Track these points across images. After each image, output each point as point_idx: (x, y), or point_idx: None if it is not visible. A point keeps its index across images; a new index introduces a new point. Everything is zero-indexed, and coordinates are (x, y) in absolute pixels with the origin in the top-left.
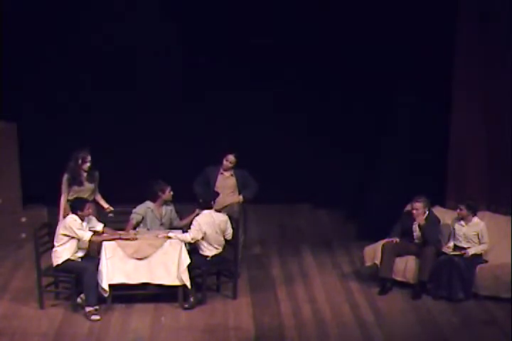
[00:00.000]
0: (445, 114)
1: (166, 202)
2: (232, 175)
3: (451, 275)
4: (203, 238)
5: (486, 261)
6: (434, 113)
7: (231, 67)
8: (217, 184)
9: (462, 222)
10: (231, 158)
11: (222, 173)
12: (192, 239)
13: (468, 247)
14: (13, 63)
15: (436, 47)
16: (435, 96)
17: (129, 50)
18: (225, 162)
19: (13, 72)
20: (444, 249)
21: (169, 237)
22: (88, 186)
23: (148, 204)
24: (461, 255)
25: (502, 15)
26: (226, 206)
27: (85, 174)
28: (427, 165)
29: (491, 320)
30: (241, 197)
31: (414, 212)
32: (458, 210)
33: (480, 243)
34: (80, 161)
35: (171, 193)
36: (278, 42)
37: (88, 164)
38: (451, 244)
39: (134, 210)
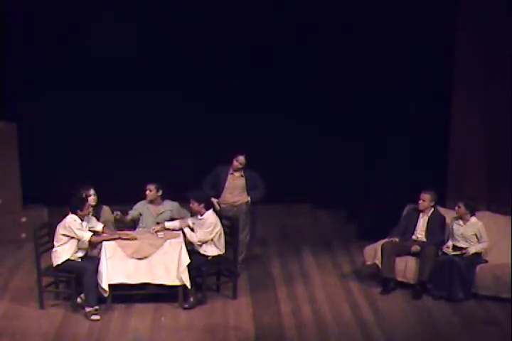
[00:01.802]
0: (445, 114)
1: (152, 201)
2: (242, 175)
3: (451, 275)
4: (212, 239)
5: (486, 261)
6: (434, 113)
7: (231, 67)
8: (227, 184)
9: (460, 222)
10: (241, 159)
11: (232, 173)
12: (199, 241)
13: (467, 247)
14: (13, 63)
15: (437, 47)
16: (435, 96)
17: (129, 49)
18: (235, 162)
19: (13, 72)
20: (444, 249)
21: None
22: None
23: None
24: (462, 255)
25: (502, 16)
26: (234, 206)
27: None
28: (427, 165)
29: (491, 320)
30: (249, 198)
31: (420, 202)
32: (456, 208)
33: (479, 242)
34: (84, 196)
35: (152, 192)
36: (280, 42)
37: (93, 197)
38: (449, 243)
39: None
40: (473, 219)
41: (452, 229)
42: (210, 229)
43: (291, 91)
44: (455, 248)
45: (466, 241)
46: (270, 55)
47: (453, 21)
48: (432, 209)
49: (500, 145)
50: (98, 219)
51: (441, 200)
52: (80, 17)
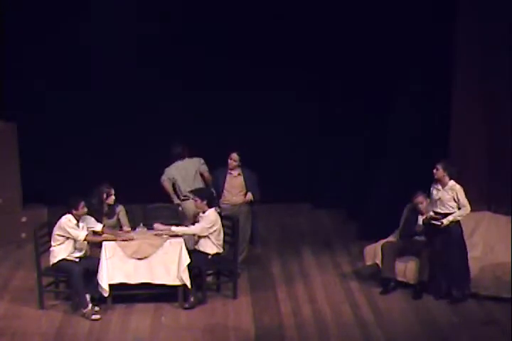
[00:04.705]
0: (445, 113)
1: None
2: (239, 174)
3: (445, 276)
4: (208, 236)
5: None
6: (434, 113)
7: (231, 67)
8: (226, 184)
9: (439, 186)
10: (234, 156)
11: (230, 173)
12: (195, 233)
13: (445, 213)
14: (14, 63)
15: (436, 46)
16: (435, 96)
17: (129, 49)
18: (229, 161)
19: (13, 73)
20: (423, 220)
21: (174, 232)
22: (107, 222)
23: (178, 163)
24: (439, 225)
25: (502, 15)
26: (235, 205)
27: (105, 210)
28: (427, 165)
29: (491, 320)
30: (249, 194)
31: (419, 205)
32: (434, 170)
33: (458, 208)
34: (104, 196)
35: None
36: (278, 40)
37: (113, 197)
38: (429, 213)
39: (163, 176)
40: (452, 182)
41: (432, 194)
42: (208, 226)
43: (291, 90)
44: (436, 214)
45: (444, 206)
46: (271, 55)
47: (453, 21)
48: None
49: (500, 145)
50: (112, 217)
51: None
52: (79, 17)
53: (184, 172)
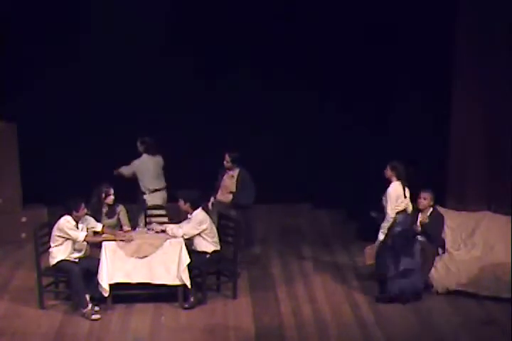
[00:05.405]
0: (445, 114)
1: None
2: (232, 176)
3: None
4: (200, 235)
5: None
6: (434, 113)
7: (231, 67)
8: (221, 182)
9: None
10: (226, 157)
11: (227, 172)
12: (184, 234)
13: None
14: (14, 63)
15: (437, 47)
16: (435, 96)
17: (130, 49)
18: (224, 161)
19: (13, 72)
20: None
21: (164, 231)
22: (107, 222)
23: (150, 157)
24: None
25: (502, 15)
26: (220, 203)
27: (105, 209)
28: (426, 165)
29: (491, 320)
30: (229, 196)
31: (420, 200)
32: (385, 170)
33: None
34: (103, 195)
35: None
36: (279, 40)
37: (112, 197)
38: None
39: (133, 169)
40: (392, 184)
41: None
42: (196, 225)
43: (290, 90)
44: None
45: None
46: (271, 55)
47: (453, 21)
48: (431, 208)
49: (500, 145)
50: (113, 217)
51: (441, 200)
52: (79, 17)
53: (157, 168)
